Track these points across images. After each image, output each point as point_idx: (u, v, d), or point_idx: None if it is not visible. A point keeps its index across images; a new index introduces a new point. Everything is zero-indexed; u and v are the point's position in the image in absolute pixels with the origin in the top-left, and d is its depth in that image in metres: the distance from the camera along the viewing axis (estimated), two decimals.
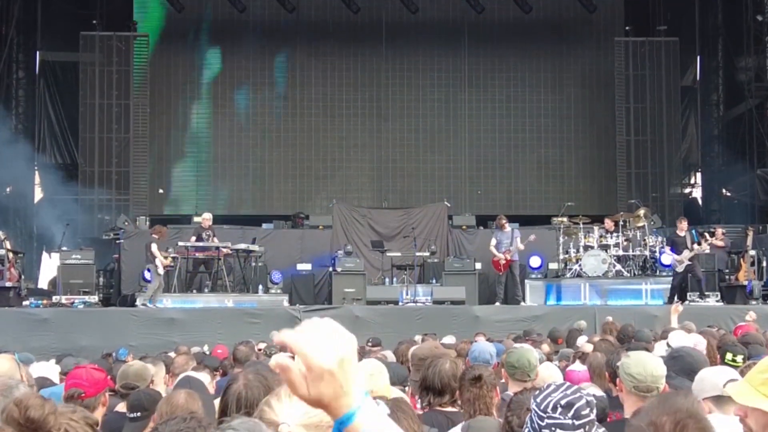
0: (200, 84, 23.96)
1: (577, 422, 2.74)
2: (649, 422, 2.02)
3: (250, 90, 23.93)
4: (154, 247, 16.17)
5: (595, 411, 2.84)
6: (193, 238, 17.14)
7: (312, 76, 24.11)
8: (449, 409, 4.51)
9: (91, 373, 4.70)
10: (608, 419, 4.52)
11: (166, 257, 16.27)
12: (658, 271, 17.91)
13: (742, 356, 5.91)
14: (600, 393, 5.00)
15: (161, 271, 16.17)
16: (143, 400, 4.77)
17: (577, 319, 12.80)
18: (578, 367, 5.83)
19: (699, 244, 16.79)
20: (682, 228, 16.93)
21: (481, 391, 4.32)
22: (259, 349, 9.96)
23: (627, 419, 2.17)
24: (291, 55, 24.14)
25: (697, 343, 6.52)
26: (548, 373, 5.21)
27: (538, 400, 2.83)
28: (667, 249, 17.06)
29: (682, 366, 4.54)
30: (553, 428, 2.75)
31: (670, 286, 16.92)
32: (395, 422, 2.83)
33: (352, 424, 1.56)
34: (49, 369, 7.64)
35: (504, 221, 17.41)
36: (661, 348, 6.32)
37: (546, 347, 8.42)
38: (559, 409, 2.76)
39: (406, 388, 4.51)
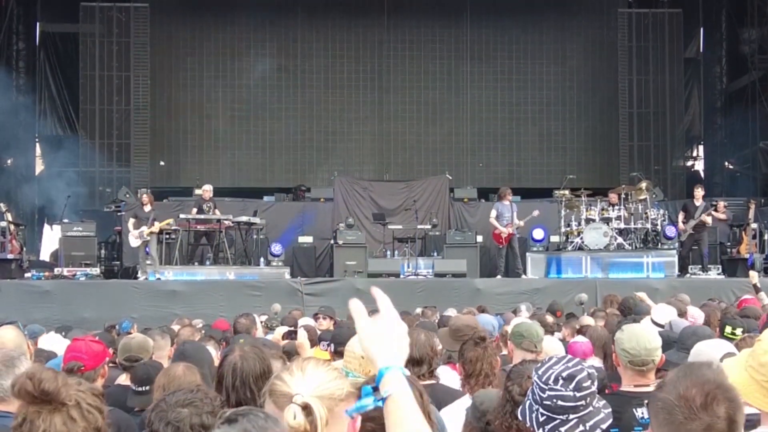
0: (201, 56, 23.83)
1: (578, 394, 2.75)
2: (679, 396, 2.01)
3: (251, 62, 23.80)
4: (131, 221, 16.27)
5: (596, 383, 2.84)
6: (194, 210, 17.13)
7: (313, 48, 23.98)
8: (426, 381, 4.54)
9: (90, 345, 4.70)
10: (607, 391, 4.54)
11: (154, 224, 16.16)
12: (659, 244, 17.92)
13: (741, 329, 5.92)
14: (600, 365, 5.03)
15: (132, 243, 16.26)
16: (151, 373, 4.75)
17: (578, 292, 12.81)
18: (581, 340, 5.84)
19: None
20: (698, 197, 16.95)
21: (485, 352, 4.39)
22: (262, 322, 10.00)
23: (653, 393, 2.14)
24: (292, 27, 23.99)
25: (695, 316, 6.53)
26: (551, 345, 5.22)
27: (540, 372, 2.84)
28: (681, 216, 17.11)
29: (678, 339, 4.55)
30: (554, 400, 2.76)
31: (677, 257, 16.98)
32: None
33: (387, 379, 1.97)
34: (55, 341, 7.68)
35: (506, 192, 17.31)
36: (646, 322, 6.32)
37: (550, 319, 8.43)
38: (561, 381, 2.77)
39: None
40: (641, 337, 4.06)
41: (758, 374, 2.64)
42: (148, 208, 16.44)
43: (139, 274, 16.33)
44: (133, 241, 16.28)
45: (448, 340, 5.18)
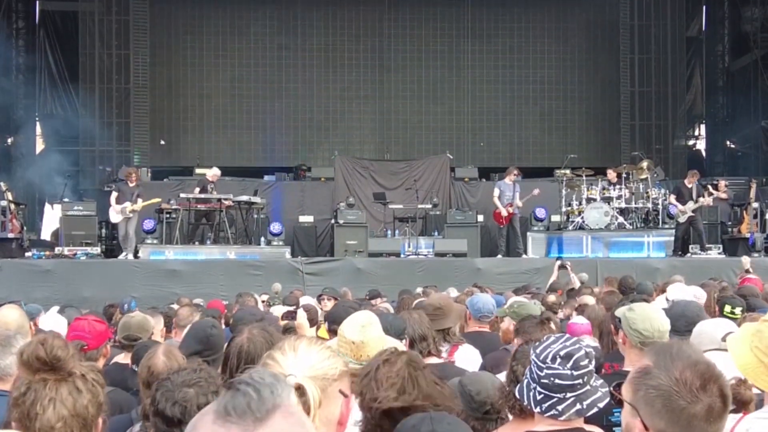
0: (201, 34, 23.73)
1: (575, 372, 2.75)
2: (676, 381, 1.99)
3: (251, 40, 23.72)
4: (113, 195, 16.22)
5: (593, 362, 2.84)
6: (197, 190, 17.07)
7: (314, 27, 23.88)
8: (432, 359, 4.57)
9: (93, 325, 4.70)
10: (608, 371, 4.54)
11: (137, 202, 16.11)
12: (660, 224, 17.91)
13: (740, 308, 5.92)
14: (596, 344, 5.03)
15: (112, 218, 16.29)
16: None
17: (579, 272, 12.80)
18: (580, 320, 5.84)
19: (702, 197, 16.74)
20: (692, 180, 16.81)
21: (549, 332, 4.41)
22: (263, 301, 10.02)
23: (637, 380, 2.10)
24: (292, 5, 23.88)
25: (697, 295, 6.52)
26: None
27: (538, 351, 2.84)
28: (672, 198, 16.97)
29: (679, 320, 4.55)
30: (552, 378, 2.76)
31: (673, 237, 16.94)
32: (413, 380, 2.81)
33: None
34: (57, 320, 7.70)
35: (511, 171, 17.26)
36: (660, 302, 6.32)
37: (552, 298, 8.43)
38: (558, 360, 2.77)
39: (404, 340, 4.53)
40: (654, 319, 4.05)
41: (767, 357, 2.63)
42: (132, 183, 16.36)
43: (124, 254, 16.22)
44: (114, 216, 16.22)
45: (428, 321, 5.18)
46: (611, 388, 2.19)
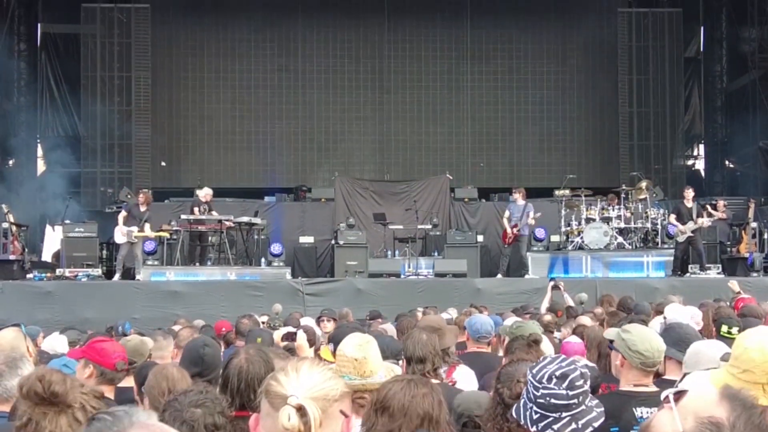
0: (202, 56, 23.85)
1: (570, 392, 2.80)
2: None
3: (252, 62, 23.84)
4: (122, 215, 16.28)
5: (588, 382, 2.89)
6: (197, 210, 17.11)
7: (314, 48, 24.00)
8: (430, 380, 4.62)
9: (118, 345, 4.79)
10: (605, 391, 4.58)
11: (144, 228, 16.18)
12: (660, 243, 17.95)
13: (737, 328, 5.95)
14: (592, 365, 5.06)
15: (117, 239, 16.40)
16: None
17: (578, 292, 12.83)
18: (573, 340, 5.90)
19: (702, 217, 16.78)
20: (689, 198, 16.86)
21: (537, 354, 4.44)
22: (263, 322, 10.04)
23: (707, 430, 1.93)
24: (293, 27, 24.02)
25: (693, 315, 6.56)
26: (544, 346, 5.28)
27: (534, 371, 2.88)
28: (672, 218, 16.99)
29: (674, 338, 4.59)
30: (547, 398, 2.81)
31: (672, 257, 16.96)
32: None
33: None
34: (57, 340, 7.76)
35: (519, 193, 17.23)
36: (656, 323, 6.35)
37: (548, 317, 8.47)
38: (554, 380, 2.81)
39: (400, 362, 4.58)
40: (653, 339, 4.10)
41: (732, 368, 2.70)
42: (143, 208, 16.41)
43: (132, 274, 16.28)
44: (119, 237, 16.29)
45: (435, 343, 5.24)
46: (674, 392, 2.10)
